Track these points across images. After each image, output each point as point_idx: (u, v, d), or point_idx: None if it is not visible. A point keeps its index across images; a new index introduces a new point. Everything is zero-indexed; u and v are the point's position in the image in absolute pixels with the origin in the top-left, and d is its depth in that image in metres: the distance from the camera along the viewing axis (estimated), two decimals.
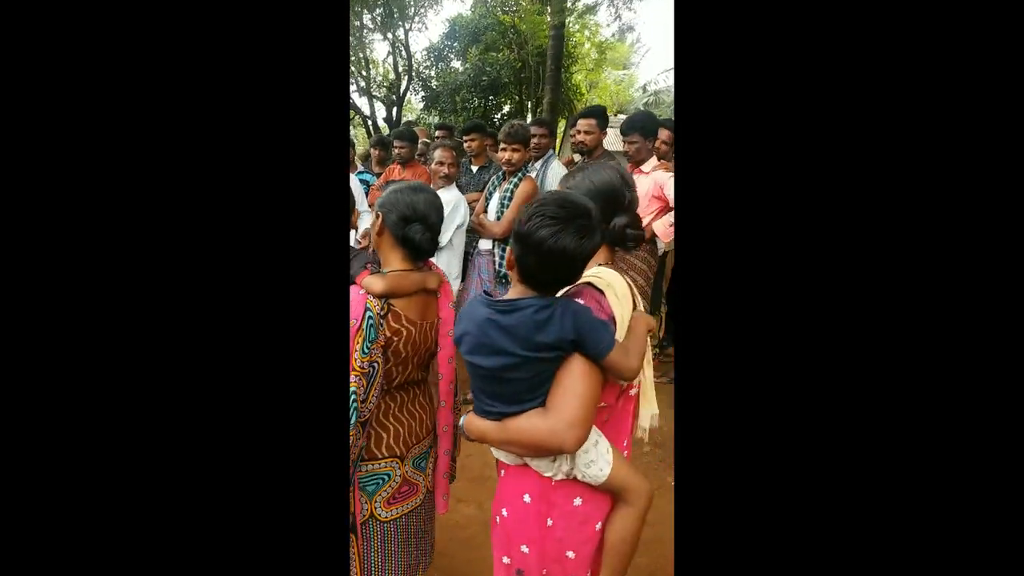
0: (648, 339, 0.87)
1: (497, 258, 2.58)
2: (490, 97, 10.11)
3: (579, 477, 0.83)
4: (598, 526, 0.86)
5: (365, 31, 9.74)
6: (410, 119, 10.16)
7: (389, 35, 9.96)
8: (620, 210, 0.89)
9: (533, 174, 2.82)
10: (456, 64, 10.42)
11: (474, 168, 2.99)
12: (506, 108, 10.73)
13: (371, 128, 10.10)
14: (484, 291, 0.90)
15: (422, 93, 10.74)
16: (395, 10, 9.04)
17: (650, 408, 0.95)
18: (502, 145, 2.58)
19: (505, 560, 0.90)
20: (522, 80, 9.81)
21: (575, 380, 0.76)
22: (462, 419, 0.89)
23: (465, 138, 2.96)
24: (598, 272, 0.86)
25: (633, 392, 0.92)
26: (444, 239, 2.42)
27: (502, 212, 2.54)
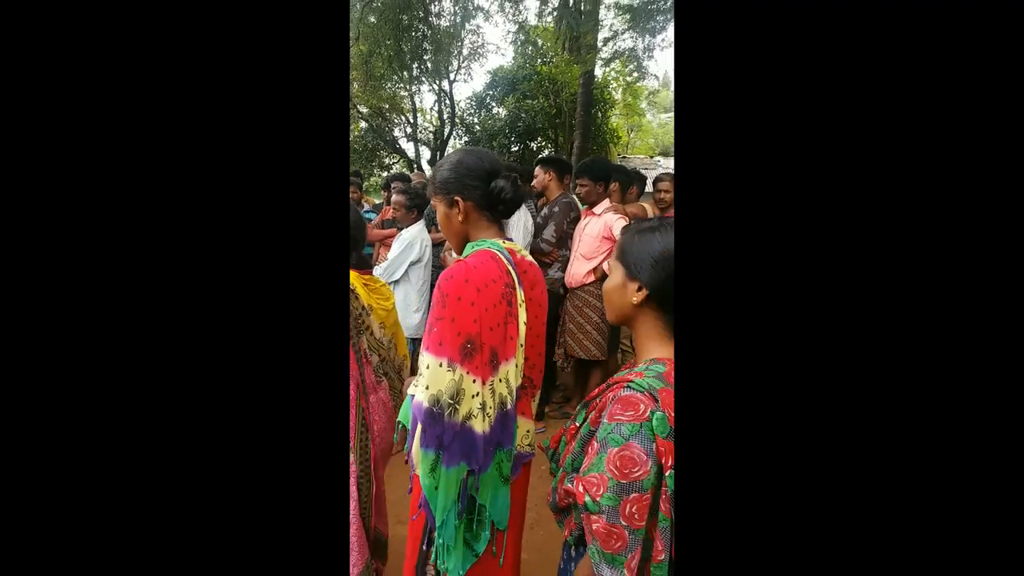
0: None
1: None
2: (527, 141, 10.57)
3: None
4: None
5: (414, 83, 10.59)
6: None
7: (435, 85, 10.75)
8: None
9: None
10: (498, 111, 11.04)
11: None
12: (545, 152, 11.14)
13: (414, 170, 10.81)
14: None
15: (465, 138, 11.42)
16: (439, 62, 9.79)
17: None
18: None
19: None
20: (557, 125, 10.19)
21: None
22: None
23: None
24: None
25: None
26: (398, 274, 2.63)
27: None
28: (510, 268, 0.97)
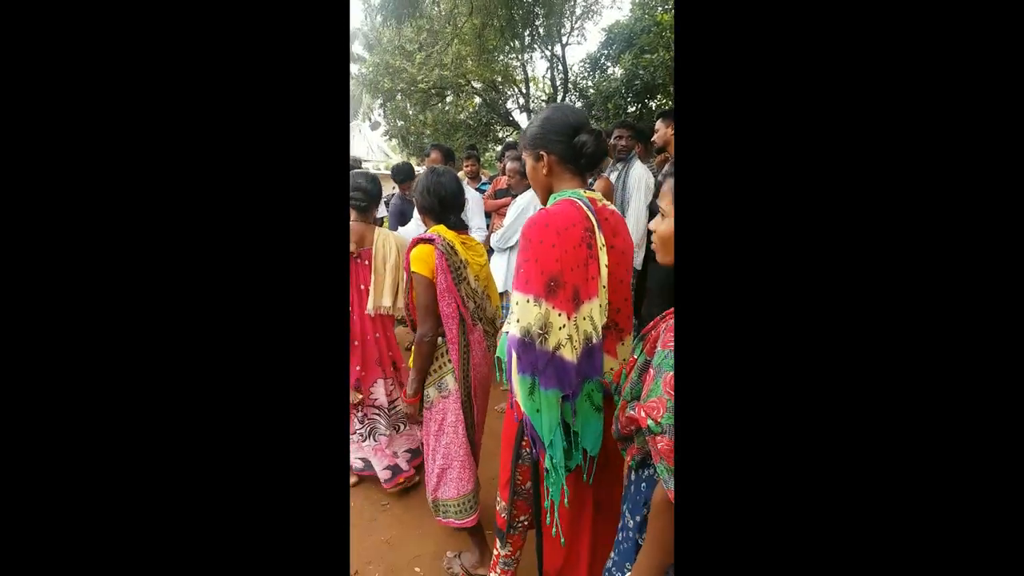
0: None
1: None
2: (645, 99, 9.89)
3: None
4: None
5: (527, 51, 10.47)
6: None
7: (547, 51, 10.51)
8: None
9: (614, 175, 2.83)
10: (613, 70, 10.47)
11: None
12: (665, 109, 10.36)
13: None
14: None
15: (579, 103, 11.07)
16: (551, 26, 9.53)
17: None
18: None
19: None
20: None
21: None
22: None
23: None
24: None
25: None
26: (513, 240, 2.62)
27: None
28: (589, 214, 1.05)
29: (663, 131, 2.71)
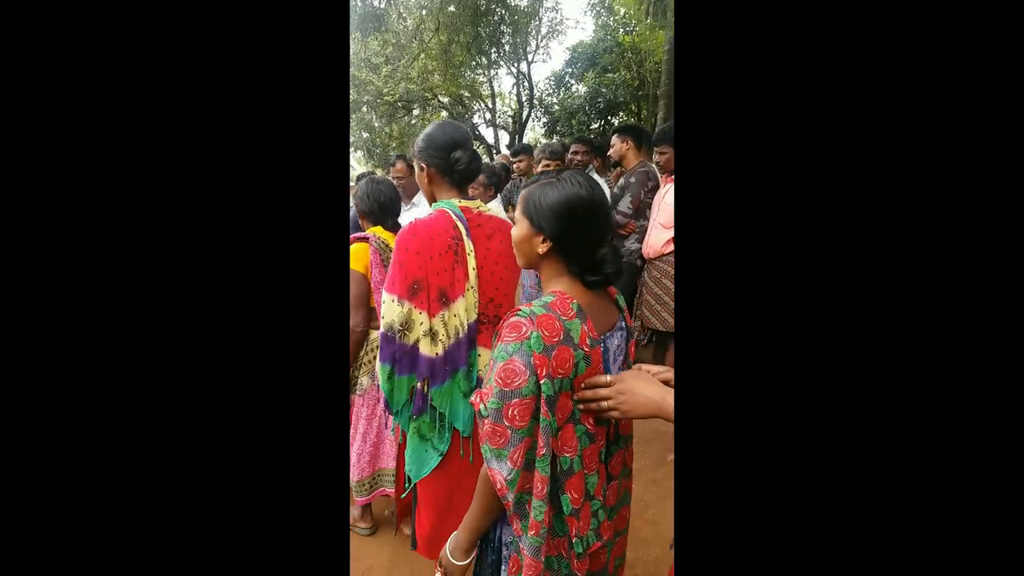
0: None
1: None
2: (608, 117, 10.23)
3: None
4: None
5: (493, 67, 10.67)
6: (527, 144, 10.80)
7: (513, 68, 10.74)
8: None
9: None
10: (577, 88, 10.80)
11: None
12: None
13: (493, 156, 10.94)
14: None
15: (544, 119, 11.32)
16: (517, 44, 9.75)
17: None
18: (544, 161, 2.80)
19: None
20: (640, 98, 9.74)
21: None
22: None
23: (514, 160, 3.22)
24: None
25: None
26: None
27: None
28: (459, 223, 1.18)
29: (618, 146, 2.84)
